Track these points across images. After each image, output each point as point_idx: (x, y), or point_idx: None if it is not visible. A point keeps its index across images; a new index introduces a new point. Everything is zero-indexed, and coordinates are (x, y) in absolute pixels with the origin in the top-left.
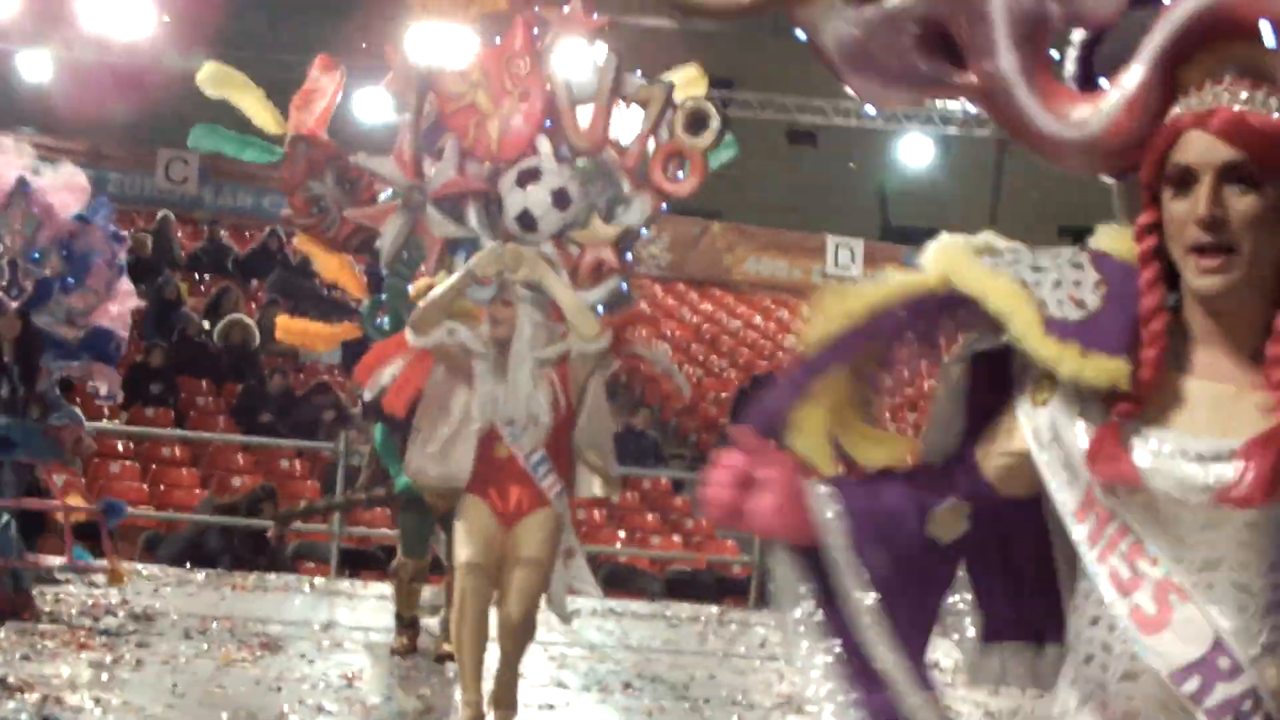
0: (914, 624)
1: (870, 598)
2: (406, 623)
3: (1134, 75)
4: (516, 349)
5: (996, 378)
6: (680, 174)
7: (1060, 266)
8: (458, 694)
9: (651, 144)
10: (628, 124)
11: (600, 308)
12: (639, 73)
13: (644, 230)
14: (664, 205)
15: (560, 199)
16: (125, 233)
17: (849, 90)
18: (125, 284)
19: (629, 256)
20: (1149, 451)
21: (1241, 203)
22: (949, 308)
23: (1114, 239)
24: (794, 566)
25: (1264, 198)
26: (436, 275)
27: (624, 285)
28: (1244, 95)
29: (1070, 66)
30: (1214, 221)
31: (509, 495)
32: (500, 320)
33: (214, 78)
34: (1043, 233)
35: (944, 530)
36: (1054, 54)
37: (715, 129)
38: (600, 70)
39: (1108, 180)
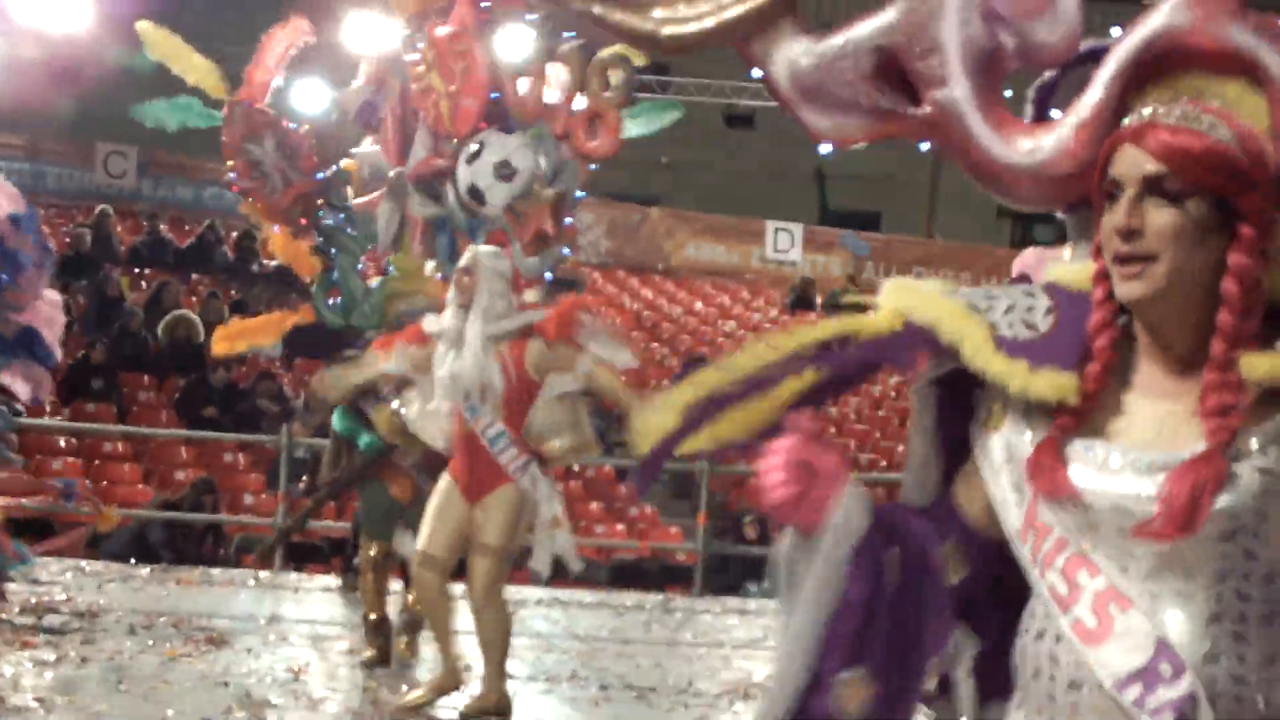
0: (913, 648)
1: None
2: (375, 626)
3: (1087, 101)
4: (471, 318)
5: (965, 418)
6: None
7: (1013, 295)
8: (403, 686)
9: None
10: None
11: (549, 275)
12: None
13: (579, 193)
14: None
15: (503, 170)
16: (52, 245)
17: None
18: (54, 296)
19: (568, 221)
20: (1090, 465)
21: (1161, 215)
22: (905, 345)
23: (1065, 272)
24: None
25: (1185, 212)
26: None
27: (566, 250)
28: (1178, 112)
29: (1028, 111)
30: (1130, 232)
31: (472, 470)
32: (463, 289)
33: (154, 41)
34: (982, 214)
35: (950, 570)
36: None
37: (621, 84)
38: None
39: (1060, 215)
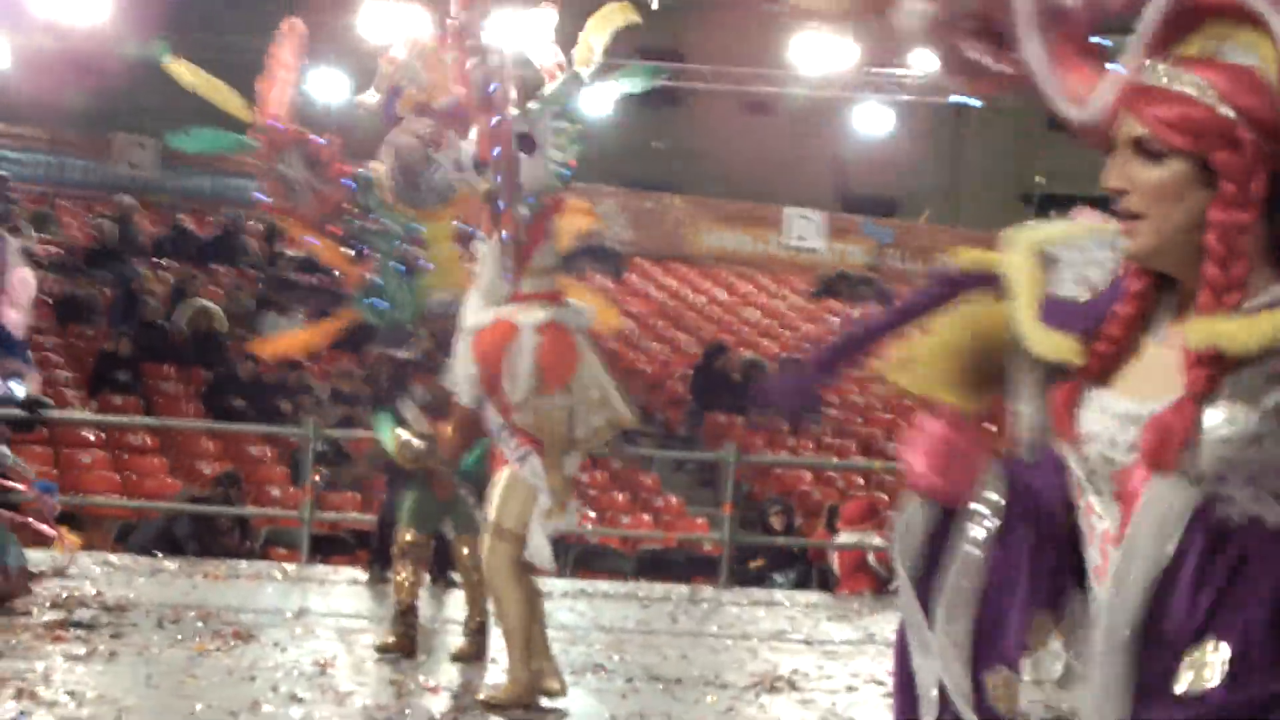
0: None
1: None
2: (401, 614)
3: (1128, 57)
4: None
5: None
6: None
7: (1092, 246)
8: (431, 680)
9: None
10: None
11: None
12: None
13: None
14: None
15: (459, 164)
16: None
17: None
18: (23, 274)
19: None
20: (1093, 411)
21: (1144, 174)
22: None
23: None
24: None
25: (1165, 170)
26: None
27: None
28: (1165, 76)
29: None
30: (1117, 191)
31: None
32: (475, 277)
33: (183, 74)
34: (1002, 199)
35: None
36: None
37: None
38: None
39: None
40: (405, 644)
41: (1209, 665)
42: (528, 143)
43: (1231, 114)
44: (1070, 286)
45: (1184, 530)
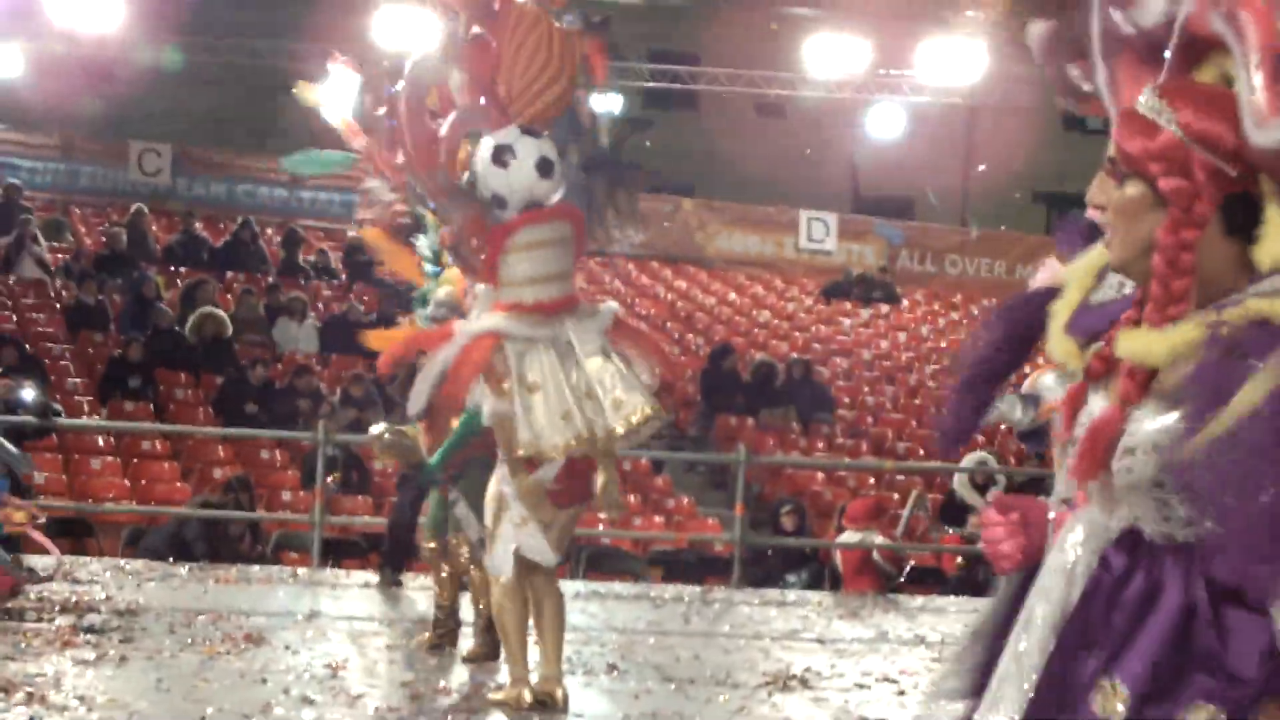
0: None
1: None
2: (444, 612)
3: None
4: None
5: None
6: None
7: None
8: (443, 681)
9: None
10: None
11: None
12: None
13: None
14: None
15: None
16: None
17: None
18: None
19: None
20: (1083, 415)
21: (1114, 193)
22: None
23: None
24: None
25: (1127, 190)
26: None
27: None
28: (1142, 101)
29: None
30: (1095, 206)
31: None
32: None
33: (306, 95)
34: (1016, 200)
35: None
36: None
37: None
38: None
39: None
40: (437, 641)
41: (1118, 697)
42: (505, 154)
43: (1187, 139)
44: (1105, 291)
45: (1097, 566)
